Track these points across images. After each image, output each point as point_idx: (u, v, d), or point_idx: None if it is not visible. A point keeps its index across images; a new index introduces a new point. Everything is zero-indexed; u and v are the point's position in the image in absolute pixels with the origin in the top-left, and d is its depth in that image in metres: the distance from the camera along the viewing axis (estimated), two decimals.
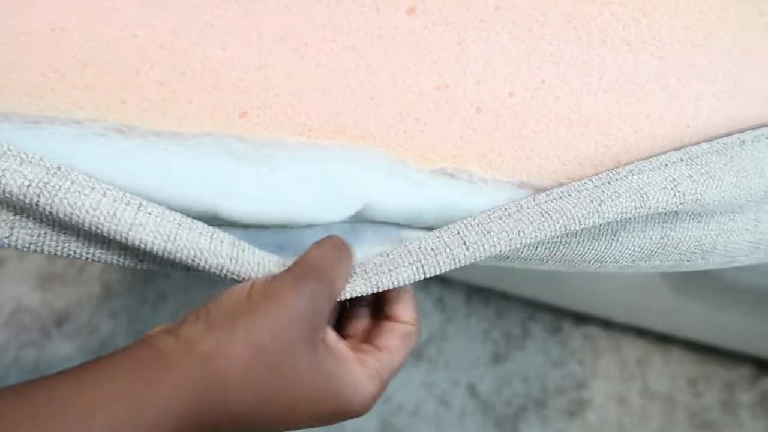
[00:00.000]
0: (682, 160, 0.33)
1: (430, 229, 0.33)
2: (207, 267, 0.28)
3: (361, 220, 0.32)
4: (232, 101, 0.30)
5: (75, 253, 0.29)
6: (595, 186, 0.32)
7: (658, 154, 0.34)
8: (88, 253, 0.29)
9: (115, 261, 0.29)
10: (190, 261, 0.28)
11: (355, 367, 0.28)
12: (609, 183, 0.32)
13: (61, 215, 0.26)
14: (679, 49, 0.35)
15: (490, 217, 0.31)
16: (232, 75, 0.30)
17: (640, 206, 0.31)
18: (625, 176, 0.32)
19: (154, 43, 0.29)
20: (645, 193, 0.31)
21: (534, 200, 0.32)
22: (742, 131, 0.35)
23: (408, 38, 0.32)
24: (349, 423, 0.81)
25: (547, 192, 0.32)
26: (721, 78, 0.36)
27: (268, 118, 0.30)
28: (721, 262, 0.37)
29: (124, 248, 0.29)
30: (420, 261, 0.29)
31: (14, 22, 0.28)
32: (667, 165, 0.33)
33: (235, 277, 0.29)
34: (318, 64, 0.31)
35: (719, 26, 0.36)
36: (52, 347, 0.84)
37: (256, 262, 0.29)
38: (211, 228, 0.29)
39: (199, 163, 0.29)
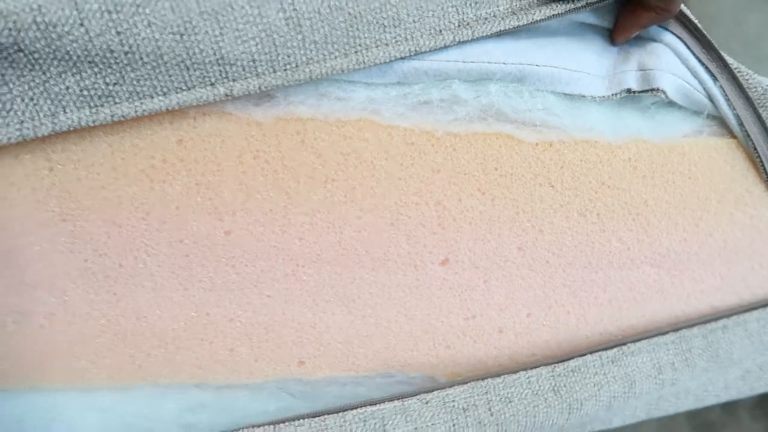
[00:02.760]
0: (673, 342, 0.39)
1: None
2: None
3: None
4: (291, 354, 0.35)
5: None
6: (603, 363, 0.37)
7: (655, 334, 0.39)
8: None
9: None
10: None
11: None
12: (613, 362, 0.37)
13: None
14: (675, 259, 0.40)
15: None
16: (291, 334, 0.34)
17: (629, 391, 0.38)
18: (629, 354, 0.38)
19: (224, 318, 0.33)
20: (634, 381, 0.37)
21: (552, 371, 0.37)
22: (728, 315, 0.40)
23: (441, 284, 0.36)
24: None
25: (564, 363, 0.37)
26: (710, 277, 0.41)
27: (323, 363, 0.35)
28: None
29: None
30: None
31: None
32: (659, 346, 0.38)
33: None
34: (364, 315, 0.35)
35: (712, 235, 0.40)
36: None
37: None
38: None
39: (267, 406, 0.35)
